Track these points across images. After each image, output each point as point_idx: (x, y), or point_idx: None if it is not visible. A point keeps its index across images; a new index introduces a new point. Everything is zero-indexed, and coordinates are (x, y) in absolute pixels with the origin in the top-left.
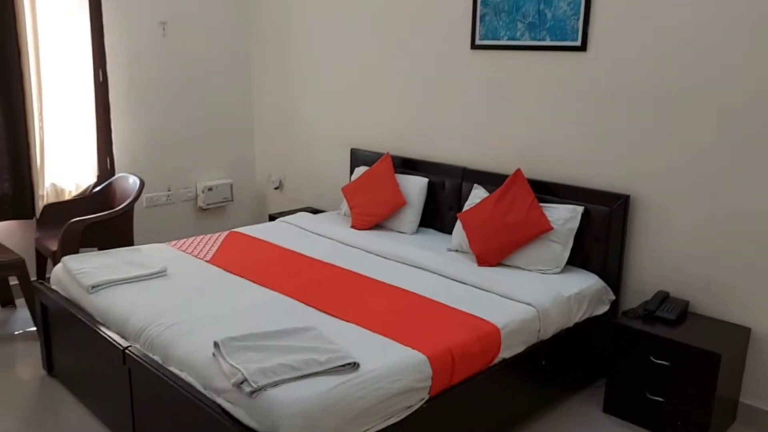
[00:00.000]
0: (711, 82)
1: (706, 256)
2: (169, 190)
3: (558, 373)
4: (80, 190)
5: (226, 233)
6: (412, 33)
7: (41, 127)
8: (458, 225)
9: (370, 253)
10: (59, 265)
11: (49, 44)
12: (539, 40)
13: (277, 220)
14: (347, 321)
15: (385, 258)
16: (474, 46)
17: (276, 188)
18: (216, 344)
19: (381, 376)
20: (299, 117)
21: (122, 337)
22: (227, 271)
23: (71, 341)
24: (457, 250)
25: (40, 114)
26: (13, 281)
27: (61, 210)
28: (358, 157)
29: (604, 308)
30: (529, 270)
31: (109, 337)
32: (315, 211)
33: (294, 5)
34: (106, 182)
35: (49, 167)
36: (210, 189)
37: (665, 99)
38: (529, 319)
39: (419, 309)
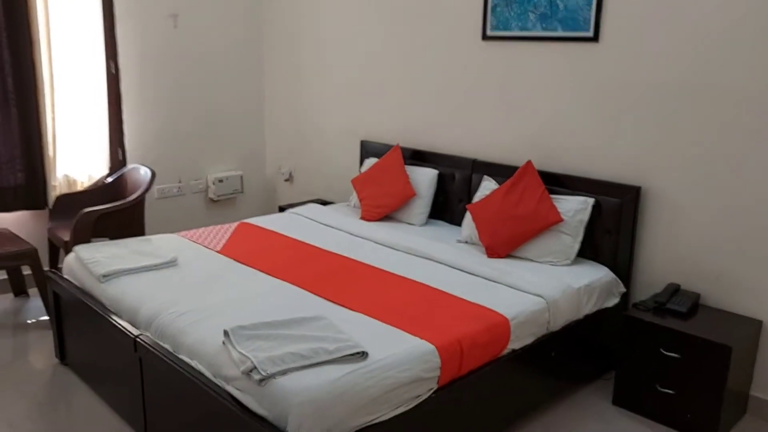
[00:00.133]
0: (726, 73)
1: (718, 248)
2: (180, 182)
3: (567, 365)
4: (92, 181)
5: (236, 224)
6: (423, 23)
7: (54, 119)
8: (468, 216)
9: (379, 244)
10: (71, 255)
11: (61, 36)
12: (551, 30)
13: (287, 212)
14: (356, 311)
15: (395, 249)
16: (485, 37)
17: (286, 180)
18: (226, 333)
19: (390, 365)
20: (309, 109)
21: (133, 325)
22: (237, 261)
23: (83, 330)
24: (466, 242)
25: (53, 105)
26: (26, 271)
27: (73, 200)
28: (368, 149)
29: (615, 300)
30: (539, 262)
31: (121, 325)
32: (325, 203)
33: None
34: (118, 173)
35: (62, 158)
36: (220, 181)
37: (678, 90)
38: (539, 310)
39: (428, 300)
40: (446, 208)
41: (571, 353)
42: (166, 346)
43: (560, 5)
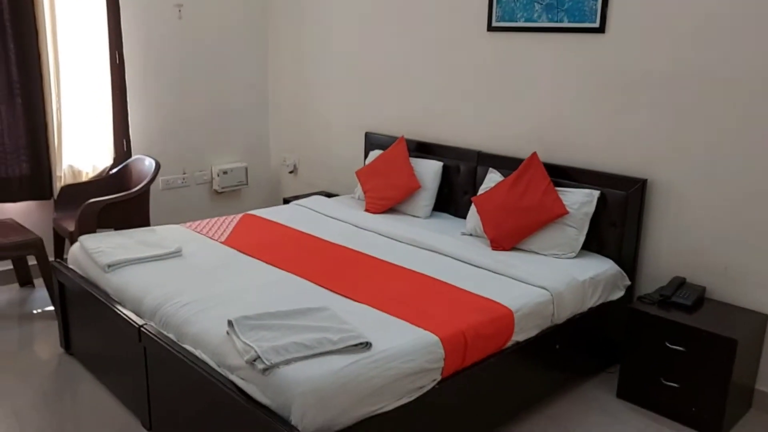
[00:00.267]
0: (733, 64)
1: (724, 241)
2: (185, 173)
3: (572, 357)
4: (97, 171)
5: (240, 215)
6: (428, 14)
7: (59, 109)
8: (472, 209)
9: (383, 236)
10: (76, 245)
11: (66, 26)
12: (557, 21)
13: (291, 204)
14: (360, 302)
15: (399, 241)
16: (490, 28)
17: (290, 172)
18: (230, 322)
19: (393, 356)
20: (314, 101)
21: (138, 315)
22: (241, 252)
23: (88, 319)
24: (471, 234)
25: (58, 96)
26: (32, 261)
27: (78, 191)
28: (372, 141)
29: (620, 293)
30: (544, 254)
31: (125, 315)
32: (329, 195)
33: None
34: (123, 164)
35: (67, 149)
36: (225, 172)
37: (685, 82)
38: (543, 302)
39: (432, 291)
40: (451, 200)
41: (575, 346)
42: (171, 335)
43: None
